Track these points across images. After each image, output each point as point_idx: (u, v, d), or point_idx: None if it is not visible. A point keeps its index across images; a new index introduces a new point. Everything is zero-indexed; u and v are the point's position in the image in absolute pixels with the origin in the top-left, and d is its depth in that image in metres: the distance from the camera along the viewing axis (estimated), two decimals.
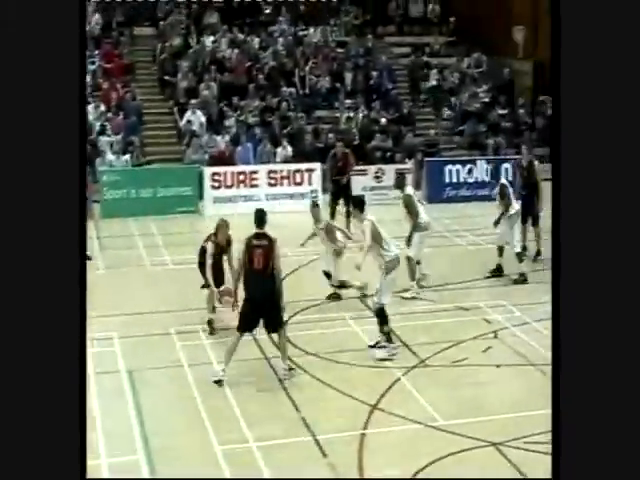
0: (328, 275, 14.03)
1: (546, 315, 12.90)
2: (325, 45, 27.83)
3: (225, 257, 12.55)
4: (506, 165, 19.36)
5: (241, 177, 21.44)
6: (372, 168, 22.48)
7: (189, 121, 23.65)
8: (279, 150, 22.81)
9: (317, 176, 21.73)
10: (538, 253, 16.54)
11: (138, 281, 15.53)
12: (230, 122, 23.92)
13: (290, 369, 11.09)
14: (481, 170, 22.61)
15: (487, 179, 22.03)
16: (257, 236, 10.82)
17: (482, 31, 28.63)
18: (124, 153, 22.21)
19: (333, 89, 26.29)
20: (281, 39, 27.49)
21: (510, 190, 15.42)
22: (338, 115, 25.19)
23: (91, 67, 24.82)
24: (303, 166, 21.96)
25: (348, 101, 25.82)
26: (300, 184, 21.68)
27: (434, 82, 27.42)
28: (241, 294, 11.03)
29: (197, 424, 9.83)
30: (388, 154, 23.85)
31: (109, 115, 23.63)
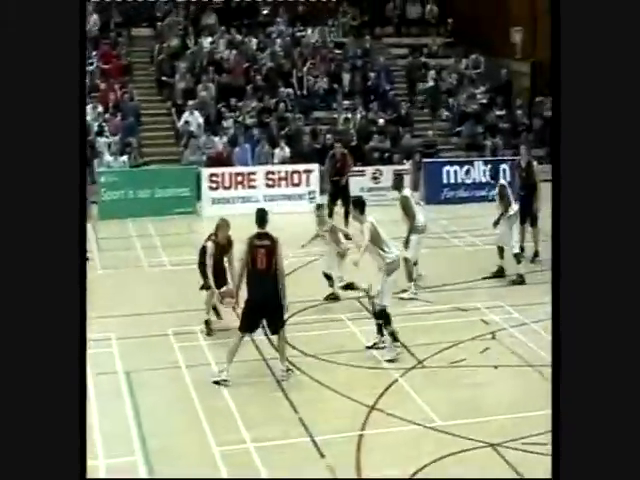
0: (328, 277, 14.02)
1: (544, 316, 12.93)
2: (323, 46, 27.84)
3: (226, 257, 12.49)
4: (504, 166, 19.32)
5: (239, 178, 21.44)
6: (370, 169, 22.49)
7: (187, 122, 23.65)
8: (277, 151, 22.81)
9: (315, 177, 21.73)
10: (536, 254, 16.54)
11: (136, 282, 15.52)
12: (228, 123, 23.92)
13: (288, 370, 11.09)
14: (479, 171, 22.63)
15: (485, 180, 22.05)
16: (259, 236, 10.81)
17: (480, 32, 28.65)
18: (122, 154, 22.21)
19: (331, 90, 26.30)
20: (279, 40, 27.50)
21: (509, 191, 15.43)
22: (336, 116, 25.20)
23: (89, 68, 24.80)
24: (301, 167, 21.96)
25: (346, 102, 25.83)
26: (298, 185, 21.69)
27: (431, 83, 27.41)
28: (243, 294, 11.02)
29: (195, 425, 9.82)
30: (386, 155, 23.86)
31: (107, 116, 23.64)
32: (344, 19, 29.34)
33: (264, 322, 11.01)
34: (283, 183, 21.64)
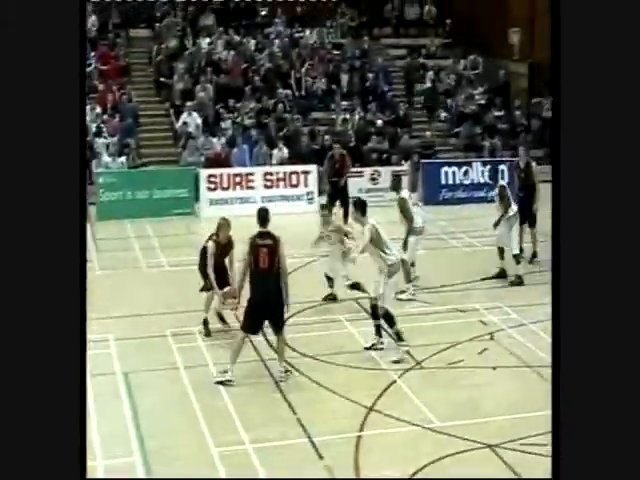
0: (329, 278, 14.00)
1: (542, 317, 12.94)
2: (321, 47, 27.85)
3: (227, 258, 12.40)
4: (502, 167, 19.33)
5: (237, 179, 21.45)
6: (368, 170, 22.50)
7: (185, 123, 23.65)
8: (275, 152, 22.81)
9: (313, 178, 21.74)
10: (534, 255, 16.54)
11: (134, 283, 15.52)
12: (226, 124, 23.93)
13: (286, 371, 11.08)
14: (477, 172, 22.64)
15: (483, 181, 22.07)
16: (261, 235, 10.82)
17: (478, 33, 28.66)
18: (120, 155, 22.21)
19: (329, 91, 26.31)
20: (277, 41, 27.51)
21: (509, 192, 15.44)
22: (334, 117, 25.20)
23: (87, 69, 24.80)
24: (299, 168, 21.96)
25: (344, 103, 25.84)
26: (296, 186, 21.69)
27: (429, 84, 27.41)
28: (245, 294, 11.01)
29: (193, 426, 9.82)
30: (384, 156, 23.87)
31: (105, 117, 23.65)
32: (342, 20, 29.35)
33: (266, 322, 11.00)
34: (281, 184, 21.65)
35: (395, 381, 11.05)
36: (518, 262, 15.26)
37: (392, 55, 29.30)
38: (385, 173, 21.84)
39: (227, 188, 21.30)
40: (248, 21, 28.62)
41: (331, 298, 14.05)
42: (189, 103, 24.17)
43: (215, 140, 23.25)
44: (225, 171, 21.58)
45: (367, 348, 12.02)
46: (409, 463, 8.89)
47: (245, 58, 26.55)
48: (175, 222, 20.12)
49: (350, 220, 14.10)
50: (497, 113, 26.20)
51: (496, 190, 15.39)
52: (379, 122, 24.90)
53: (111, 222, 19.38)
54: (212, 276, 12.27)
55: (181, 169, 22.20)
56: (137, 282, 15.58)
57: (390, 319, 11.73)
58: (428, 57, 28.78)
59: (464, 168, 22.77)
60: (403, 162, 23.08)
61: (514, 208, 15.26)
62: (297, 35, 28.27)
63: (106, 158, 22.01)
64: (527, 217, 16.24)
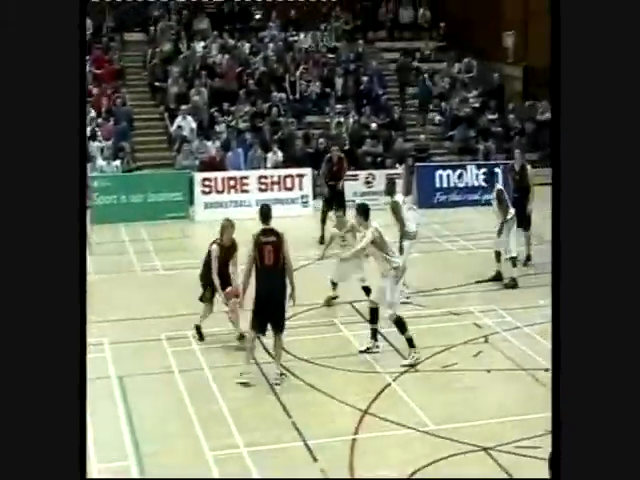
0: (334, 284, 13.97)
1: (537, 319, 12.99)
2: (315, 50, 27.87)
3: (231, 261, 12.24)
4: (496, 170, 19.34)
5: (232, 182, 21.45)
6: (363, 173, 22.50)
7: (180, 127, 23.65)
8: (270, 155, 22.81)
9: (308, 181, 21.76)
10: (528, 258, 16.56)
11: (129, 287, 15.51)
12: (221, 128, 23.93)
13: (281, 374, 11.08)
14: (471, 175, 22.67)
15: (477, 184, 22.12)
16: (265, 232, 10.83)
17: (472, 36, 28.71)
18: (114, 159, 22.19)
19: (323, 94, 26.32)
20: (271, 44, 27.52)
21: (506, 195, 15.47)
22: (329, 120, 25.21)
23: None
24: (294, 171, 21.98)
25: (338, 106, 25.86)
26: (291, 189, 21.70)
27: (421, 84, 27.43)
28: (248, 294, 11.01)
29: (188, 430, 9.81)
30: (379, 159, 23.89)
31: (99, 121, 23.62)
32: (337, 23, 29.36)
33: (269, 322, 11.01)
34: (276, 187, 21.65)
35: (390, 384, 11.06)
36: (514, 265, 15.27)
37: (386, 58, 29.32)
38: (380, 176, 21.87)
39: (222, 191, 21.29)
40: (242, 25, 28.62)
41: (333, 298, 14.00)
42: (184, 107, 24.15)
43: (210, 144, 23.25)
44: (220, 174, 21.57)
45: (362, 351, 12.02)
46: (404, 466, 8.90)
47: (239, 62, 26.56)
48: (170, 226, 20.11)
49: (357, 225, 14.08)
50: (491, 116, 26.23)
51: (494, 194, 15.41)
52: (373, 125, 24.91)
53: (105, 226, 19.34)
54: (216, 280, 12.17)
55: (176, 173, 22.19)
56: (132, 286, 15.58)
57: (402, 325, 11.72)
58: (422, 60, 28.80)
59: (458, 171, 22.80)
60: (397, 165, 23.11)
61: (512, 211, 15.29)
62: (291, 39, 28.28)
63: (101, 162, 21.99)
64: (521, 220, 16.26)
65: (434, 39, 30.10)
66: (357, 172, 22.33)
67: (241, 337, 12.13)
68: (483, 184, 20.79)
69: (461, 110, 26.37)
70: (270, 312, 10.84)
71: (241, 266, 11.70)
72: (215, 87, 25.38)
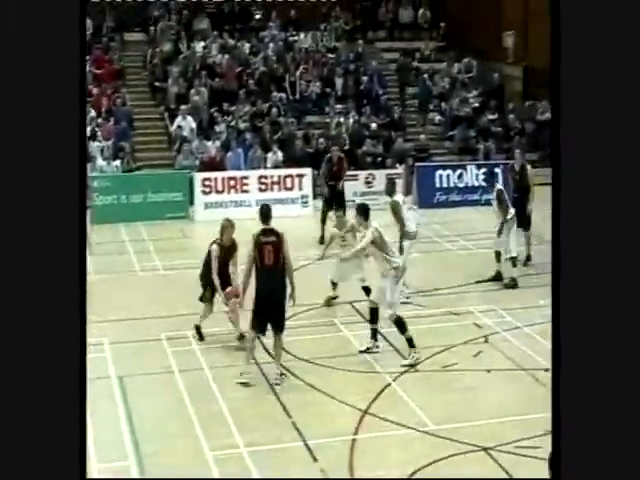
0: (335, 284, 13.96)
1: (537, 319, 12.99)
2: (315, 50, 27.87)
3: (231, 261, 12.21)
4: (496, 170, 19.35)
5: (232, 182, 21.44)
6: (363, 173, 22.49)
7: (180, 127, 23.65)
8: (270, 155, 22.81)
9: (307, 181, 21.76)
10: (528, 258, 16.55)
11: (128, 287, 15.51)
12: (221, 127, 23.92)
13: (281, 374, 11.09)
14: (471, 175, 22.67)
15: (477, 184, 22.13)
16: (265, 232, 10.84)
17: (472, 36, 28.71)
18: (115, 159, 22.20)
19: (323, 94, 26.32)
20: (271, 44, 27.52)
21: (506, 195, 15.47)
22: (328, 120, 25.21)
23: None
24: (294, 171, 21.97)
25: (338, 106, 25.86)
26: (291, 189, 21.70)
27: (421, 84, 27.44)
28: (249, 294, 11.01)
29: (188, 430, 9.82)
30: (379, 159, 23.89)
31: (99, 121, 23.63)
32: (337, 23, 29.37)
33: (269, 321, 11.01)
34: (276, 187, 21.65)
35: (390, 384, 11.06)
36: (514, 265, 15.27)
37: (386, 58, 29.33)
38: (380, 176, 21.86)
39: (222, 191, 21.29)
40: (242, 25, 28.63)
41: (333, 298, 13.99)
42: (184, 107, 24.16)
43: (210, 144, 23.25)
44: (220, 174, 21.56)
45: (362, 351, 12.03)
46: (404, 466, 8.90)
47: (239, 62, 26.57)
48: (169, 226, 20.10)
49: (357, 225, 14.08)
50: (491, 116, 26.23)
51: (494, 194, 15.41)
52: (373, 125, 24.92)
53: (105, 226, 19.33)
54: (216, 280, 12.15)
55: (176, 173, 22.18)
56: (131, 286, 15.58)
57: (402, 325, 11.72)
58: (422, 60, 28.80)
59: (458, 171, 22.79)
60: (398, 165, 23.12)
61: (512, 211, 15.29)
62: (291, 39, 28.28)
63: (101, 162, 21.99)
64: (521, 220, 16.26)
65: (434, 39, 30.10)
66: (357, 172, 22.32)
67: (241, 337, 12.13)
68: (483, 184, 20.78)
69: (461, 110, 26.38)
70: (270, 312, 10.85)
71: (241, 266, 11.70)
72: (215, 87, 25.39)
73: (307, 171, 21.86)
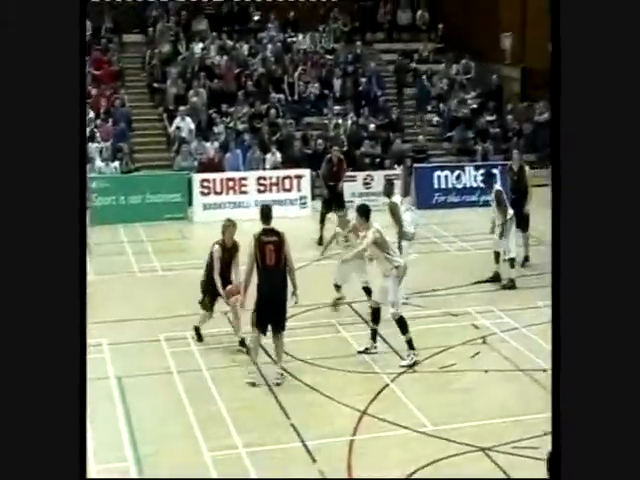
0: (337, 286, 13.94)
1: (535, 320, 13.01)
2: (314, 52, 27.88)
3: (233, 262, 12.15)
4: (494, 171, 19.37)
5: (230, 183, 21.43)
6: (361, 174, 22.48)
7: (178, 128, 23.65)
8: (268, 156, 22.82)
9: (306, 182, 21.75)
10: (526, 259, 16.57)
11: (127, 287, 15.52)
12: (219, 129, 23.93)
13: (280, 375, 11.10)
14: (470, 176, 22.68)
15: (475, 185, 22.13)
16: (266, 232, 10.87)
17: (470, 38, 28.72)
18: (113, 160, 22.21)
19: (322, 96, 26.33)
20: (270, 46, 27.52)
21: (505, 196, 15.49)
22: (327, 122, 25.22)
23: None
24: (292, 172, 21.96)
25: (337, 108, 25.86)
26: (289, 190, 21.69)
27: (420, 86, 27.45)
28: (250, 293, 11.03)
29: (187, 430, 9.83)
30: (377, 160, 23.90)
31: (98, 122, 23.62)
32: (335, 25, 29.37)
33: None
34: (274, 188, 21.63)
35: (388, 385, 11.08)
36: (512, 266, 15.29)
37: (385, 60, 29.35)
38: (378, 177, 21.84)
39: (220, 193, 21.28)
40: (241, 26, 28.62)
41: (338, 299, 13.95)
42: (182, 108, 24.16)
43: (208, 145, 23.25)
44: (218, 176, 21.55)
45: (360, 352, 12.04)
46: (402, 466, 8.92)
47: (238, 63, 26.57)
48: (168, 227, 20.10)
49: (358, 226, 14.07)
50: (489, 117, 26.25)
51: (493, 195, 15.42)
52: (372, 127, 24.93)
53: (104, 227, 19.35)
54: (218, 281, 12.10)
55: (174, 174, 22.18)
56: (130, 287, 15.58)
57: (404, 325, 11.74)
58: (420, 62, 28.82)
59: (457, 172, 22.79)
60: (396, 166, 23.12)
61: (510, 212, 15.31)
62: (290, 40, 28.28)
63: (99, 163, 22.00)
64: (519, 221, 16.28)
65: (432, 40, 30.10)
66: (355, 173, 22.30)
67: (242, 343, 12.14)
68: (481, 185, 20.79)
69: (459, 111, 26.39)
70: (271, 312, 10.88)
71: (242, 267, 11.72)
72: (214, 88, 25.39)
73: (306, 172, 21.86)
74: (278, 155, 22.86)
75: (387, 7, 30.68)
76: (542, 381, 10.83)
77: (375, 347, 12.07)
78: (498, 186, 15.88)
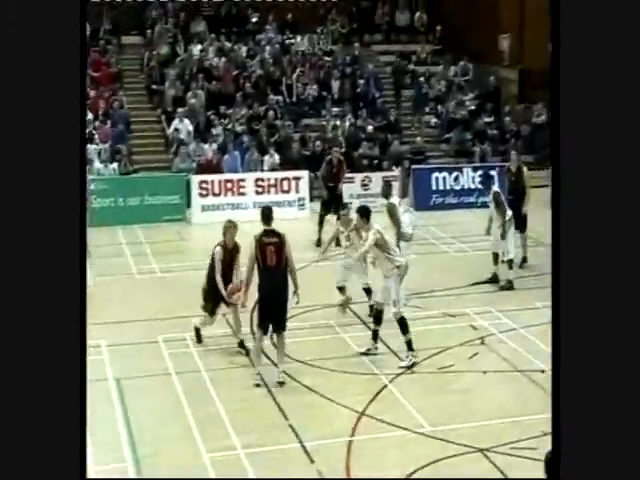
0: (340, 289, 13.91)
1: (533, 321, 13.04)
2: (312, 53, 27.90)
3: (234, 264, 12.12)
4: (492, 172, 19.40)
5: (229, 185, 21.44)
6: (359, 176, 22.49)
7: (177, 129, 23.67)
8: (266, 158, 22.83)
9: (304, 184, 21.76)
10: (524, 260, 16.59)
11: (125, 289, 15.53)
12: (217, 130, 23.94)
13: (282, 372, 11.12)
14: (468, 177, 22.70)
15: (473, 186, 22.14)
16: (267, 233, 10.89)
17: (468, 39, 28.75)
18: (112, 161, 22.21)
19: (320, 97, 26.34)
20: (268, 47, 27.53)
21: (503, 197, 15.50)
22: (325, 123, 25.23)
23: None
24: (290, 174, 21.97)
25: (335, 109, 25.86)
26: (287, 192, 21.70)
27: (417, 87, 27.47)
28: (251, 293, 11.04)
29: (185, 432, 9.84)
30: (375, 162, 23.92)
31: (96, 123, 23.62)
32: (333, 27, 29.39)
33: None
34: (273, 190, 21.65)
35: (386, 386, 11.09)
36: (511, 267, 15.31)
37: (383, 61, 29.37)
38: (376, 179, 21.85)
39: (218, 194, 21.29)
40: (239, 28, 28.65)
41: (345, 300, 13.91)
42: (180, 109, 24.17)
43: (206, 146, 23.26)
44: (216, 177, 21.57)
45: (362, 353, 12.05)
46: (400, 467, 8.93)
47: (236, 65, 26.58)
48: (166, 228, 20.12)
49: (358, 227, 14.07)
50: (487, 119, 26.28)
51: (491, 197, 15.43)
52: (370, 128, 24.94)
53: (103, 228, 19.35)
54: (220, 283, 12.06)
55: (173, 175, 22.20)
56: (128, 288, 15.59)
57: (405, 326, 11.76)
58: (418, 63, 28.84)
59: (454, 174, 22.82)
60: (394, 168, 23.14)
61: (509, 213, 15.32)
62: (288, 42, 28.30)
63: (98, 165, 22.00)
64: (517, 222, 16.29)
65: (430, 42, 30.12)
66: (353, 174, 22.29)
67: (241, 344, 12.15)
68: (479, 186, 20.80)
69: (457, 113, 26.42)
70: (273, 312, 10.91)
71: (242, 268, 11.73)
72: (212, 90, 25.40)
73: (304, 174, 21.87)
74: (276, 157, 22.87)
75: (385, 9, 30.69)
76: (540, 382, 10.84)
77: (376, 348, 12.08)
78: (496, 187, 15.90)
